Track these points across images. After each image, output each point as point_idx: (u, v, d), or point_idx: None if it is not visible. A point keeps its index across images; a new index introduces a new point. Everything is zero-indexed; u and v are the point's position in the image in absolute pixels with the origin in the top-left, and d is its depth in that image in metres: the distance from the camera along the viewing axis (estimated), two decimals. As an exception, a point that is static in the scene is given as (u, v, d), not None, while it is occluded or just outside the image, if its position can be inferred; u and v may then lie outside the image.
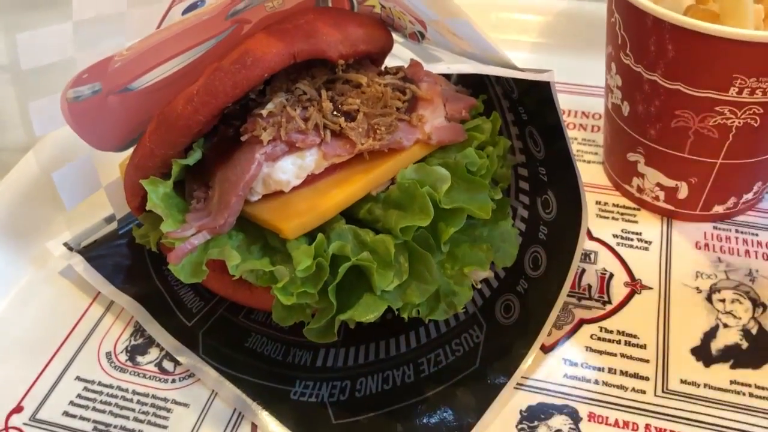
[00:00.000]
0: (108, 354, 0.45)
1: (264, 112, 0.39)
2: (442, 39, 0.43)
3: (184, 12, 0.41)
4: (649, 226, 0.51)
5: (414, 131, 0.41)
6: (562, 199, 0.43)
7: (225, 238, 0.39)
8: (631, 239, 0.51)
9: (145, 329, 0.45)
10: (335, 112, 0.40)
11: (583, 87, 0.65)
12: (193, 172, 0.42)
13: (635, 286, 0.47)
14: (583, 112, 0.62)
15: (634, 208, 0.53)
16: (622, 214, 0.53)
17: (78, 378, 0.44)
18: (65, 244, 0.48)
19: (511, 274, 0.45)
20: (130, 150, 0.45)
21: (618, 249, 0.50)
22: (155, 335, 0.45)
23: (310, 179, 0.40)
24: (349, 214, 0.40)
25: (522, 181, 0.46)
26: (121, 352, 0.45)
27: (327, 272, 0.37)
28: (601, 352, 0.44)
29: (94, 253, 0.48)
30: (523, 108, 0.43)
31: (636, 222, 0.52)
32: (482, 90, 0.48)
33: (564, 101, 0.62)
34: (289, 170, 0.39)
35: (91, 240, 0.49)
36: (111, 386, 0.43)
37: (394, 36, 0.47)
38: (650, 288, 0.47)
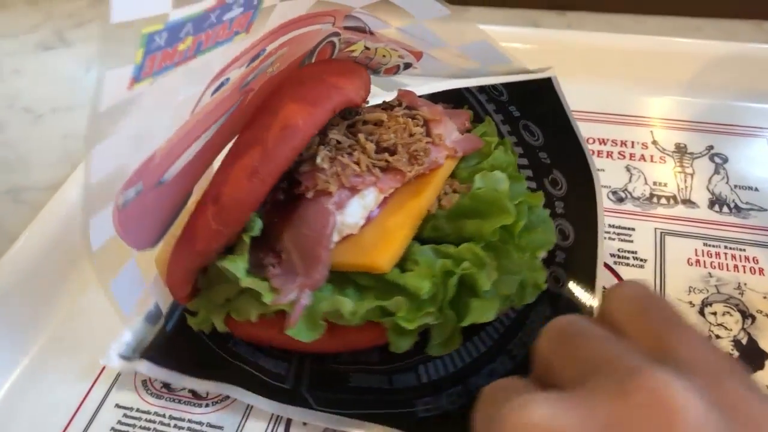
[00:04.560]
0: (144, 382, 0.47)
1: (322, 165, 0.42)
2: (437, 63, 0.48)
3: (213, 93, 0.42)
4: (644, 245, 0.54)
5: (441, 149, 0.46)
6: (571, 175, 0.49)
7: (320, 293, 0.41)
8: (627, 258, 0.53)
9: (246, 402, 0.44)
10: (377, 151, 0.44)
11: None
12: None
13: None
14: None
15: (629, 228, 0.55)
16: (618, 234, 0.55)
17: (117, 405, 0.46)
18: (121, 356, 0.47)
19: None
20: (159, 245, 0.45)
21: (615, 268, 0.52)
22: (257, 404, 0.44)
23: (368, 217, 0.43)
24: (415, 237, 0.43)
25: (523, 170, 0.52)
26: (156, 380, 0.47)
27: (443, 289, 0.40)
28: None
29: (153, 353, 0.47)
30: (514, 106, 0.49)
31: (632, 242, 0.54)
32: (461, 102, 0.53)
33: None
34: (356, 213, 0.42)
35: (146, 344, 0.48)
36: (149, 412, 0.45)
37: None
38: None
